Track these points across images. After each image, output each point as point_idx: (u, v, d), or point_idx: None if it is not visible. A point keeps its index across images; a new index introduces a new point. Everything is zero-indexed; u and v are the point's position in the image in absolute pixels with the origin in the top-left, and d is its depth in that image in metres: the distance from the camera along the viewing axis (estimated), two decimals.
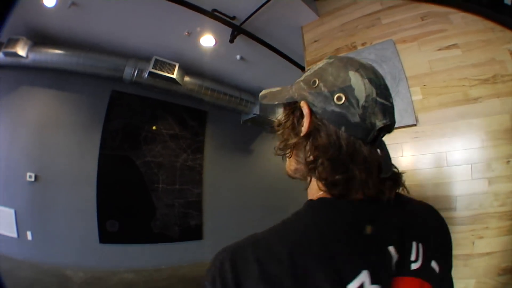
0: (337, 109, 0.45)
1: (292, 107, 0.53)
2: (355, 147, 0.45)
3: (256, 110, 4.57)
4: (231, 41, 2.99)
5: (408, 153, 1.91)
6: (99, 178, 3.42)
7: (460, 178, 1.72)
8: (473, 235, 1.62)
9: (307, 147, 0.48)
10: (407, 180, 0.55)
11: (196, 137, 4.36)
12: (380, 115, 0.45)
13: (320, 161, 0.45)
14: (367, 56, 2.17)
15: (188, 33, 3.11)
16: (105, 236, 3.34)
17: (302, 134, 0.48)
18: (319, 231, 0.43)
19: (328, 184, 0.45)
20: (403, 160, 1.90)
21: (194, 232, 4.06)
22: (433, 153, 1.85)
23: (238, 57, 3.56)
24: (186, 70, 3.81)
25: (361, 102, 0.44)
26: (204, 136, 4.44)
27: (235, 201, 4.76)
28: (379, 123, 0.45)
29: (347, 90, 0.45)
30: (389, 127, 0.48)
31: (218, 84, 4.13)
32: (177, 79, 3.46)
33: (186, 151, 4.17)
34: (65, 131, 3.54)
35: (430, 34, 2.04)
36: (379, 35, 2.27)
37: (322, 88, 0.47)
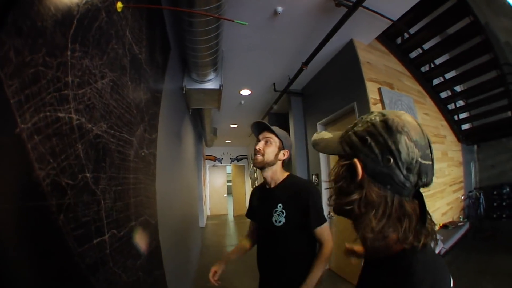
0: (384, 170, 0.54)
1: (347, 160, 0.60)
2: (399, 203, 0.54)
3: (221, 81, 3.02)
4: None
5: None
6: None
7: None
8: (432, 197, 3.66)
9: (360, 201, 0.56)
10: None
11: (156, 91, 1.81)
12: (422, 175, 0.54)
13: (366, 216, 0.54)
14: (404, 100, 3.46)
15: None
16: None
17: (353, 190, 0.57)
18: None
19: (410, 237, 0.53)
20: None
21: None
22: None
23: (279, 9, 2.75)
24: None
25: (406, 165, 0.53)
26: (161, 93, 2.02)
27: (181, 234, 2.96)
28: (420, 183, 0.55)
29: (395, 153, 0.53)
30: (427, 184, 0.56)
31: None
32: None
33: (144, 118, 1.52)
34: None
35: (421, 103, 3.77)
36: (404, 88, 3.70)
37: (373, 148, 0.55)
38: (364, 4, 2.45)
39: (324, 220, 1.43)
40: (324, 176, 4.22)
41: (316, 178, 4.40)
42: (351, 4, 2.49)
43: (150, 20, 1.57)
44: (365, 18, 2.88)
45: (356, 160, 0.57)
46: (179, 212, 3.13)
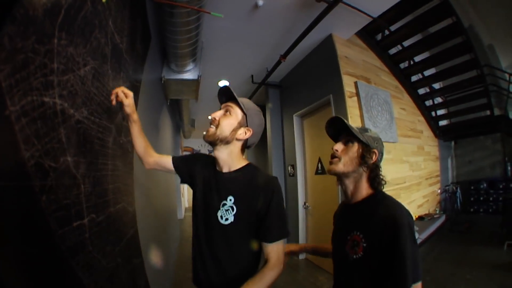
0: (380, 158, 1.12)
1: (366, 146, 1.10)
2: (379, 169, 1.13)
3: (199, 71, 3.13)
4: None
5: (390, 155, 3.76)
6: None
7: (407, 169, 3.99)
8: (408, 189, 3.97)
9: (371, 170, 1.10)
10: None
11: (135, 80, 1.85)
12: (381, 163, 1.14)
13: (379, 177, 1.09)
14: (381, 95, 3.65)
15: None
16: None
17: (371, 163, 1.10)
18: None
19: (380, 185, 1.10)
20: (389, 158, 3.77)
21: None
22: (399, 156, 3.90)
23: (260, 2, 2.81)
24: None
25: (383, 157, 1.14)
26: (140, 83, 2.07)
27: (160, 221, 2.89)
28: (380, 165, 1.13)
29: (383, 152, 1.14)
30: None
31: None
32: None
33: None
34: None
35: (398, 98, 3.95)
36: (381, 83, 3.80)
37: (378, 147, 1.12)
38: (345, 0, 2.56)
39: (286, 235, 1.16)
40: (300, 166, 4.39)
41: (292, 169, 4.56)
42: None
43: (132, 9, 1.62)
44: (345, 13, 3.00)
45: (375, 150, 1.11)
46: (157, 202, 3.18)
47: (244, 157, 1.31)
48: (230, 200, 1.19)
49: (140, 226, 1.99)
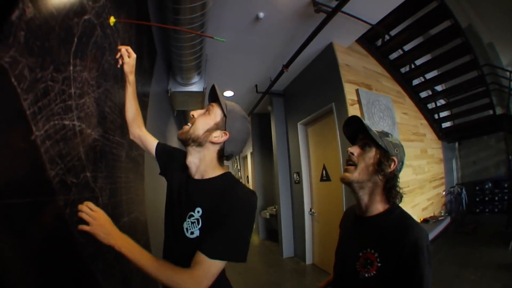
0: (399, 167, 1.04)
1: (384, 153, 1.02)
2: (397, 180, 1.05)
3: (205, 84, 3.24)
4: None
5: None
6: None
7: (410, 173, 4.00)
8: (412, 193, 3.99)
9: (388, 179, 1.02)
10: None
11: (143, 95, 1.97)
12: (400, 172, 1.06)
13: (396, 189, 1.02)
14: (382, 101, 3.64)
15: None
16: None
17: (389, 171, 1.01)
18: None
19: (396, 199, 1.03)
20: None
21: None
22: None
23: (261, 15, 2.89)
24: None
25: (403, 167, 1.06)
26: (148, 97, 2.18)
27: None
28: (399, 175, 1.06)
29: (403, 161, 1.05)
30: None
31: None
32: None
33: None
34: None
35: (400, 103, 3.97)
36: (382, 89, 3.82)
37: (398, 155, 1.03)
38: (343, 9, 2.61)
39: (233, 257, 0.93)
40: (305, 173, 4.41)
41: (297, 176, 4.58)
42: (330, 9, 2.65)
43: (138, 27, 1.69)
44: (345, 22, 3.05)
45: (395, 158, 1.01)
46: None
47: (222, 166, 1.15)
48: (198, 212, 1.02)
49: (151, 235, 2.05)
